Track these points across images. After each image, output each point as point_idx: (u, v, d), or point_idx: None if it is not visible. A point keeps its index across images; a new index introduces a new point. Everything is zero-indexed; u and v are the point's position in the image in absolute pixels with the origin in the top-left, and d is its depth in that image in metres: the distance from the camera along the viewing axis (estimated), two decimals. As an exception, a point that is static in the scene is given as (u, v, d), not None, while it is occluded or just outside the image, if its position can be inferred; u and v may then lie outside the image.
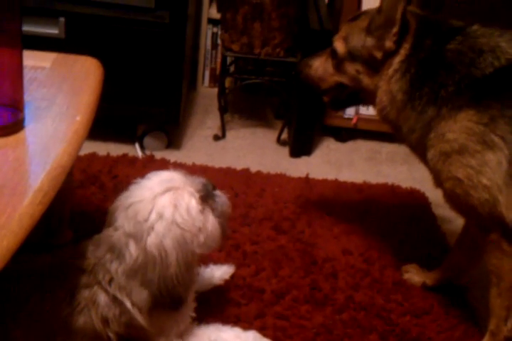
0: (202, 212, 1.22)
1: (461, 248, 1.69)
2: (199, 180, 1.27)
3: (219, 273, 1.62)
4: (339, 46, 1.51)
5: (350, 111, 2.51)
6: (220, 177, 2.13)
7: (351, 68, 1.50)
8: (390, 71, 1.42)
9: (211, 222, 1.24)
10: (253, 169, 2.25)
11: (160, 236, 1.17)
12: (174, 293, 1.19)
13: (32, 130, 1.11)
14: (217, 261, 1.68)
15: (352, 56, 1.49)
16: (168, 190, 1.20)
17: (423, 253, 1.89)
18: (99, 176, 2.05)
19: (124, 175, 2.06)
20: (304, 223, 1.96)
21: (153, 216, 1.17)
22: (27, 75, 1.26)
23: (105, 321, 1.21)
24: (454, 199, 1.41)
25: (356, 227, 1.98)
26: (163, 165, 2.16)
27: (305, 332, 1.55)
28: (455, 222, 1.89)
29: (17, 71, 1.08)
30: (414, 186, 2.26)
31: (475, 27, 1.41)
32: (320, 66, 1.59)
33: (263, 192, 2.10)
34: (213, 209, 1.26)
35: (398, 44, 1.41)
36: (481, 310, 1.66)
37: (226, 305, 1.59)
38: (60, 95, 1.24)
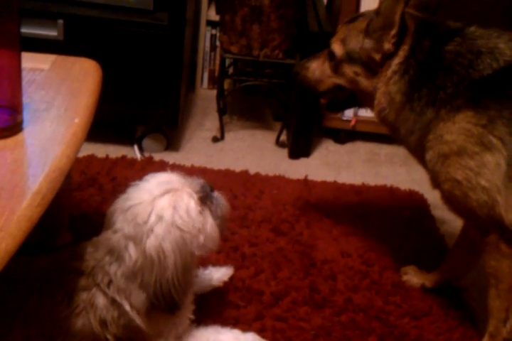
0: (201, 213, 1.22)
1: (460, 250, 1.69)
2: (197, 181, 1.27)
3: (218, 275, 1.62)
4: (337, 48, 1.51)
5: (348, 113, 2.52)
6: (218, 179, 2.13)
7: (349, 70, 1.50)
8: (389, 73, 1.42)
9: (210, 224, 1.24)
10: (252, 171, 2.25)
11: (159, 238, 1.16)
12: (170, 297, 1.19)
13: (30, 132, 1.11)
14: (216, 263, 1.68)
15: (350, 58, 1.49)
16: (166, 191, 1.20)
17: (422, 255, 1.89)
18: (97, 178, 2.05)
19: (123, 177, 2.06)
20: (302, 225, 1.96)
21: (152, 218, 1.17)
22: (26, 77, 1.26)
23: (103, 323, 1.21)
24: (452, 200, 1.41)
25: (355, 229, 1.98)
26: (162, 166, 2.16)
27: (304, 334, 1.55)
28: (454, 223, 1.89)
29: (16, 73, 1.08)
30: (413, 188, 2.26)
31: (473, 28, 1.41)
32: (317, 68, 1.59)
33: (262, 194, 2.10)
34: (212, 211, 1.26)
35: (397, 46, 1.41)
36: (480, 312, 1.66)
37: (225, 307, 1.59)
38: (59, 97, 1.24)
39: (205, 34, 2.78)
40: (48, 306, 1.19)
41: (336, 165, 2.43)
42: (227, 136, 2.51)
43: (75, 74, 1.35)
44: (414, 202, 2.19)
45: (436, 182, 1.44)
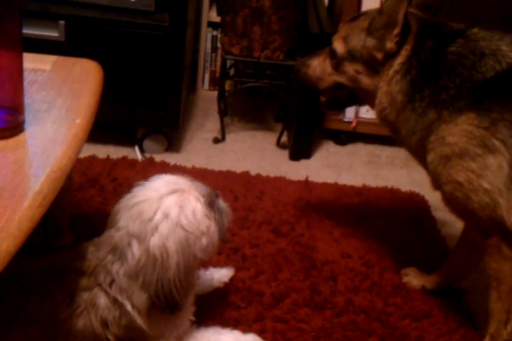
0: (206, 216, 1.22)
1: (461, 251, 1.69)
2: (204, 187, 1.27)
3: (218, 276, 1.62)
4: (338, 46, 1.51)
5: (349, 115, 2.52)
6: (219, 180, 2.13)
7: (350, 68, 1.50)
8: (391, 72, 1.42)
9: (213, 228, 1.24)
10: (253, 172, 2.25)
11: (163, 237, 1.16)
12: (171, 297, 1.19)
13: (32, 132, 1.11)
14: (217, 264, 1.68)
15: (351, 56, 1.48)
16: (174, 191, 1.20)
17: (422, 257, 1.89)
18: (98, 179, 2.05)
19: (124, 177, 2.06)
20: (303, 226, 1.96)
21: (158, 215, 1.17)
22: (27, 78, 1.26)
23: (105, 324, 1.20)
24: (453, 202, 1.41)
25: (356, 230, 1.98)
26: (163, 168, 2.17)
27: (304, 335, 1.55)
28: (455, 225, 1.88)
29: (17, 73, 1.08)
30: (414, 189, 2.26)
31: (475, 30, 1.40)
32: (318, 66, 1.59)
33: (262, 195, 2.10)
34: (215, 217, 1.26)
35: (399, 45, 1.41)
36: (481, 314, 1.65)
37: (225, 308, 1.59)
38: (60, 98, 1.24)
39: (206, 35, 2.78)
40: (48, 306, 1.19)
41: (337, 167, 2.42)
42: (228, 137, 2.51)
43: (76, 75, 1.35)
44: (415, 204, 2.19)
45: (437, 184, 1.44)
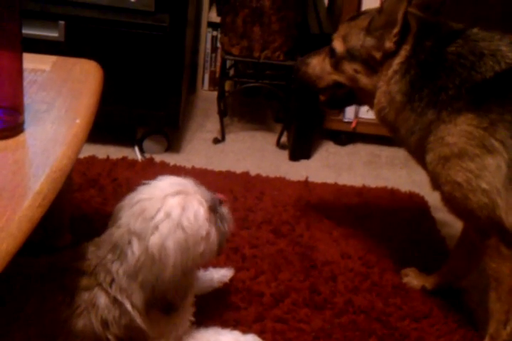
0: (208, 221, 1.22)
1: (461, 252, 1.69)
2: (209, 193, 1.27)
3: (218, 276, 1.62)
4: (338, 45, 1.51)
5: (349, 115, 2.52)
6: (219, 181, 2.13)
7: (349, 67, 1.50)
8: (390, 72, 1.42)
9: (213, 234, 1.24)
10: (252, 172, 2.25)
11: (163, 236, 1.16)
12: (166, 297, 1.19)
13: (32, 133, 1.11)
14: (217, 264, 1.68)
15: (350, 55, 1.48)
16: (179, 192, 1.20)
17: (422, 257, 1.89)
18: (98, 179, 2.05)
19: (124, 178, 2.06)
20: (303, 226, 1.96)
21: (160, 214, 1.17)
22: (27, 78, 1.26)
23: (105, 323, 1.20)
24: (452, 202, 1.41)
25: (355, 231, 1.98)
26: (163, 168, 2.17)
27: (304, 335, 1.55)
28: (454, 225, 1.88)
29: (17, 74, 1.08)
30: (414, 190, 2.26)
31: (475, 30, 1.40)
32: (318, 64, 1.59)
33: (262, 196, 2.10)
34: (217, 224, 1.26)
35: (398, 45, 1.41)
36: (480, 314, 1.65)
37: (225, 308, 1.59)
38: (60, 98, 1.24)
39: (206, 35, 2.78)
40: (48, 306, 1.19)
41: (337, 167, 2.43)
42: (228, 137, 2.51)
43: (76, 75, 1.35)
44: (415, 204, 2.19)
45: (436, 184, 1.44)
